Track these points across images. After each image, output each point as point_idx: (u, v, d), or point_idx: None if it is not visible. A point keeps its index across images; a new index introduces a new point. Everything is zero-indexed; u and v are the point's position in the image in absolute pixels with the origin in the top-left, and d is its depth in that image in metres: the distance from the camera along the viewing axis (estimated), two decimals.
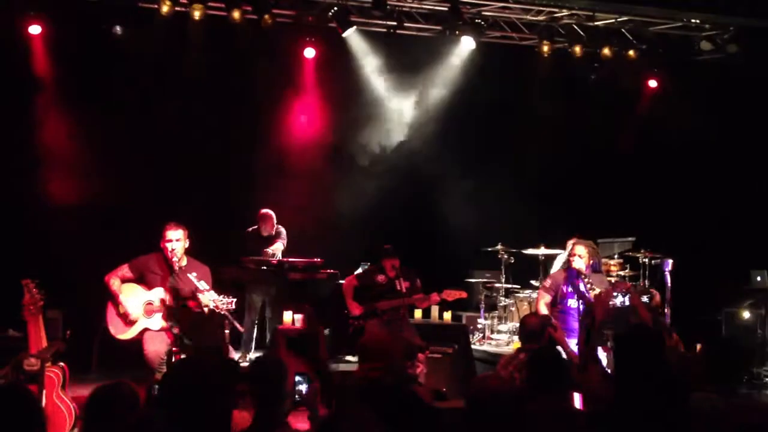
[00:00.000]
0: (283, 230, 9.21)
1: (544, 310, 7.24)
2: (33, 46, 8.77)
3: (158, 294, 6.59)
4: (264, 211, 9.13)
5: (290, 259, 8.89)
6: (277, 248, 8.95)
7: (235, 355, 7.22)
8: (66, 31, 8.71)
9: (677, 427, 3.73)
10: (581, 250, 7.32)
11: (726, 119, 9.97)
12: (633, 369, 3.86)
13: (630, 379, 3.84)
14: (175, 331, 6.17)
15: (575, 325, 7.03)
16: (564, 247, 8.75)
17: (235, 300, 6.51)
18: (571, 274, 7.28)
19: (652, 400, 3.75)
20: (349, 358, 8.72)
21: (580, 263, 7.21)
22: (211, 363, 3.06)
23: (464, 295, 8.32)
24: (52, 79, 8.86)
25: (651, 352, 3.91)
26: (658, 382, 3.80)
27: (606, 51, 9.79)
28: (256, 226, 9.16)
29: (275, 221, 9.15)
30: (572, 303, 7.18)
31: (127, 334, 6.58)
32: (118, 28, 8.64)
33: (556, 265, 9.19)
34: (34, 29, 8.66)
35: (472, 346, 9.32)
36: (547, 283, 7.55)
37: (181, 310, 6.33)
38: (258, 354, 8.85)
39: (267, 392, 3.61)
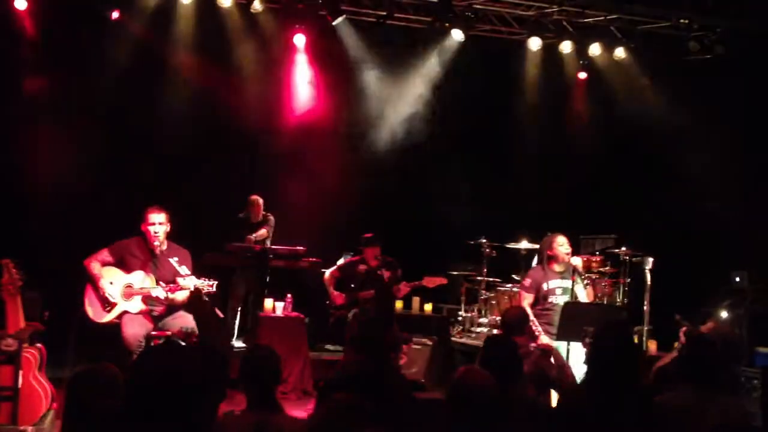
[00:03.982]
0: (271, 218, 9.19)
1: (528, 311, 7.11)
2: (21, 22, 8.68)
3: (138, 277, 6.55)
4: (252, 197, 9.10)
5: (273, 247, 8.87)
6: (261, 235, 8.92)
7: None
8: (53, 8, 8.61)
9: (645, 426, 3.78)
10: (565, 241, 7.14)
11: (711, 119, 10.03)
12: (608, 366, 3.90)
13: (602, 376, 3.89)
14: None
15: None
16: None
17: (216, 284, 6.49)
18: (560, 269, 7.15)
19: (622, 398, 3.79)
20: (329, 347, 8.74)
21: (577, 259, 7.05)
22: (186, 350, 3.02)
23: (444, 281, 8.34)
24: (34, 55, 8.76)
25: (627, 351, 3.96)
26: (630, 381, 3.85)
27: (594, 48, 9.86)
28: (246, 213, 9.14)
29: (263, 207, 9.12)
30: (556, 300, 7.07)
31: (106, 317, 6.54)
32: (115, 13, 8.56)
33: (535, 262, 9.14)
34: (20, 4, 8.54)
35: (452, 339, 9.35)
36: (527, 282, 7.28)
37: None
38: (239, 341, 8.85)
39: (260, 379, 3.67)
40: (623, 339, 4.01)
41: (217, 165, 9.84)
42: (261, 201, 9.14)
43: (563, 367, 5.30)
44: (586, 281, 6.96)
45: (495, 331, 9.01)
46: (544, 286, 7.04)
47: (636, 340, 8.07)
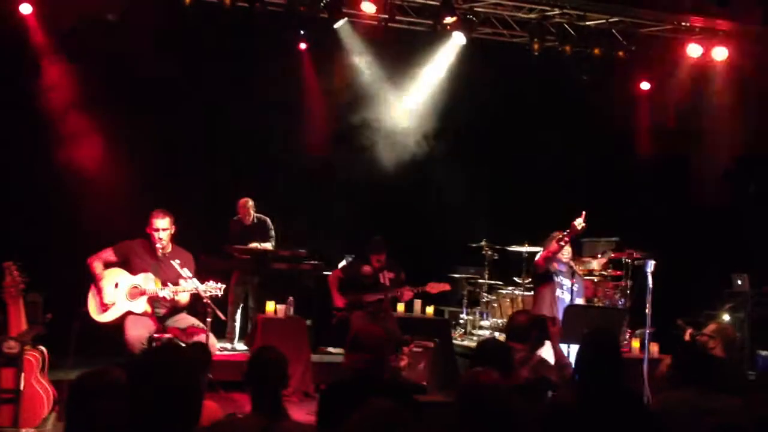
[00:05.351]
0: (268, 221, 9.18)
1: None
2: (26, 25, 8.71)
3: (143, 278, 6.55)
4: (241, 200, 9.09)
5: (273, 249, 8.87)
6: (267, 247, 8.94)
7: (218, 344, 7.20)
8: (57, 12, 8.62)
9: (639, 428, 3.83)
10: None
11: (712, 121, 10.05)
12: (595, 369, 3.96)
13: (593, 379, 3.93)
14: None
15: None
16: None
17: (224, 287, 6.52)
18: (561, 268, 7.31)
19: (613, 400, 3.83)
20: (331, 349, 8.73)
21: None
22: (178, 352, 3.03)
23: (448, 287, 8.35)
24: (40, 61, 8.79)
25: (612, 355, 4.01)
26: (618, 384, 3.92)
27: (596, 51, 9.84)
28: (239, 215, 9.14)
29: (252, 208, 9.10)
30: (561, 295, 7.23)
31: (108, 317, 6.53)
32: (109, 15, 8.56)
33: None
34: (25, 8, 8.57)
35: (454, 341, 9.35)
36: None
37: None
38: (241, 343, 8.85)
39: (267, 382, 3.62)
40: (604, 346, 4.07)
41: (217, 167, 9.83)
42: (251, 203, 9.12)
43: (566, 366, 5.29)
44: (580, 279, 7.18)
45: (496, 335, 9.03)
46: (553, 274, 7.23)
47: (638, 344, 8.11)
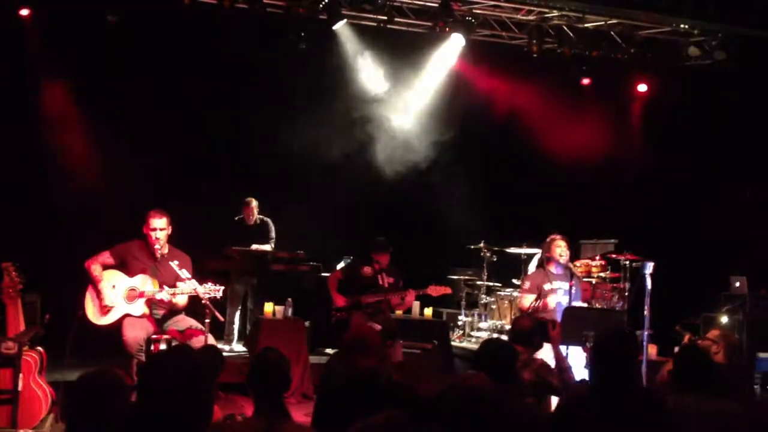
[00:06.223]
0: (269, 222, 9.19)
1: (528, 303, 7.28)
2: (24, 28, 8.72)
3: (141, 280, 6.54)
4: (247, 198, 9.11)
5: (272, 251, 8.87)
6: (266, 248, 8.94)
7: (217, 346, 7.19)
8: (56, 14, 8.63)
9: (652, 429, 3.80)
10: (562, 244, 7.39)
11: (711, 124, 10.06)
12: (609, 372, 3.92)
13: (605, 382, 3.91)
14: None
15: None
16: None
17: (222, 288, 6.51)
18: (558, 270, 7.34)
19: (627, 403, 3.81)
20: (328, 350, 8.72)
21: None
22: (193, 354, 3.03)
23: (449, 291, 8.35)
24: (40, 62, 8.79)
25: (627, 357, 3.98)
26: (632, 386, 3.87)
27: (594, 53, 9.86)
28: (241, 216, 9.15)
29: (256, 209, 9.11)
30: (559, 299, 7.22)
31: (106, 319, 6.52)
32: (110, 17, 8.57)
33: (533, 266, 9.21)
34: (24, 12, 8.60)
35: (452, 343, 9.35)
36: (526, 285, 7.51)
37: None
38: (239, 344, 8.85)
39: (270, 384, 3.61)
40: (623, 343, 4.04)
41: (217, 167, 9.83)
42: (255, 203, 9.14)
43: (566, 370, 5.29)
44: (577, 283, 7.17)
45: (495, 336, 9.03)
46: (546, 287, 7.23)
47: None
